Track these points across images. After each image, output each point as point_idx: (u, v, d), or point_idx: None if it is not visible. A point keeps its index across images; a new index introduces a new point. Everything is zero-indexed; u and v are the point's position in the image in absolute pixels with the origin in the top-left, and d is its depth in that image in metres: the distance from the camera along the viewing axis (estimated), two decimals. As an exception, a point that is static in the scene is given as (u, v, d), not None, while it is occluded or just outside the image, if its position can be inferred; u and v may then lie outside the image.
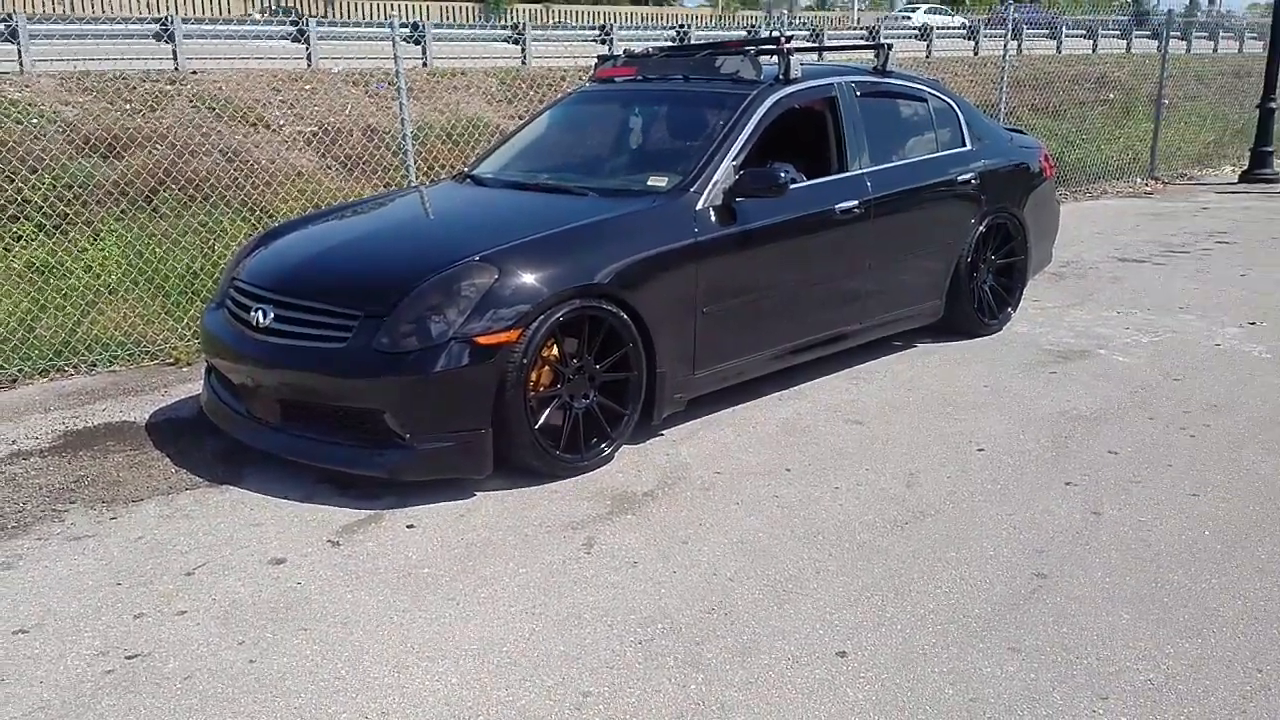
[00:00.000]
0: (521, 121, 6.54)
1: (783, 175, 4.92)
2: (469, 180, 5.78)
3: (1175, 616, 3.39)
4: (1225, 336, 6.61)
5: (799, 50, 5.66)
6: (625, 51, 6.38)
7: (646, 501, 4.29)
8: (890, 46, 6.10)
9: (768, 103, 5.28)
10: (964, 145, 6.33)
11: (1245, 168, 14.15)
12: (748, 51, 5.55)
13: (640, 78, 6.01)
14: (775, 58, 5.55)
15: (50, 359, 6.14)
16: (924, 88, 6.31)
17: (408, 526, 4.08)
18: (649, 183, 5.06)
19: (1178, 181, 14.26)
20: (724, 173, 4.98)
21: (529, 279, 4.28)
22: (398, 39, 7.20)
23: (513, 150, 5.99)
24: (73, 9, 22.03)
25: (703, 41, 11.53)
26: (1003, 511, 4.16)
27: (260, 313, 4.49)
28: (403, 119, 7.23)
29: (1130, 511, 4.16)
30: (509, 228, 4.68)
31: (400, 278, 4.31)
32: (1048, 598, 3.51)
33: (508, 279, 4.26)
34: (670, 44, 16.71)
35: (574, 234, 4.61)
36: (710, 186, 4.93)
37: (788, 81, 5.44)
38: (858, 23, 38.26)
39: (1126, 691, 3.00)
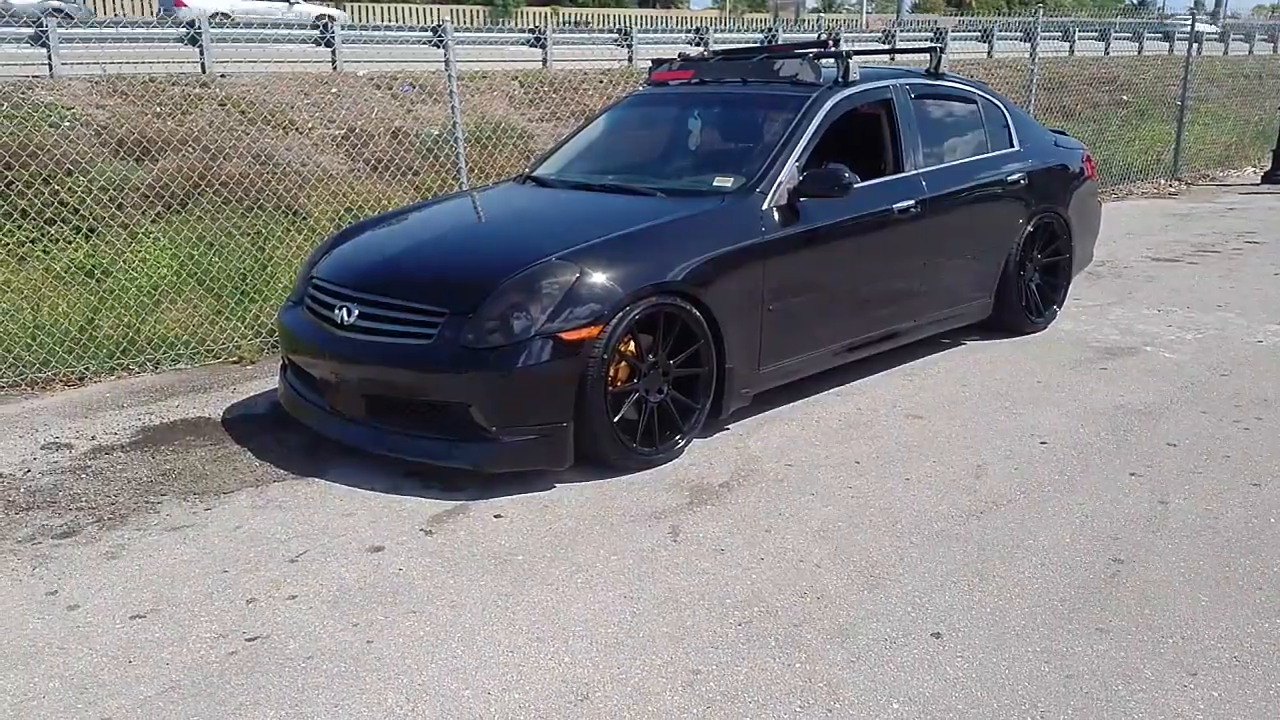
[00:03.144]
0: (578, 125, 6.66)
1: (846, 175, 5.05)
2: (531, 182, 5.91)
3: (1252, 599, 3.52)
4: (1267, 333, 6.73)
5: (857, 54, 5.79)
6: (680, 55, 6.51)
7: (723, 492, 4.42)
8: (943, 49, 6.24)
9: (829, 104, 5.41)
10: (1012, 146, 6.46)
11: (1268, 169, 14.26)
12: (807, 55, 5.68)
13: (696, 81, 6.13)
14: (833, 60, 5.68)
15: (116, 358, 6.27)
16: (974, 90, 6.44)
17: (495, 516, 4.21)
18: (715, 183, 5.19)
19: (1200, 183, 14.37)
20: (788, 173, 5.11)
21: (608, 277, 4.41)
22: (451, 43, 7.30)
23: (572, 153, 6.12)
24: (96, 11, 22.19)
25: (724, 45, 11.68)
26: (1073, 501, 4.28)
27: (344, 310, 4.62)
28: (455, 122, 7.35)
29: (1196, 500, 4.28)
30: (583, 227, 4.82)
31: (484, 276, 4.45)
32: (1127, 582, 3.63)
33: (588, 277, 4.38)
34: (693, 46, 16.86)
35: (648, 233, 4.74)
36: (775, 187, 5.06)
37: (847, 84, 5.57)
38: (867, 25, 38.34)
39: (1215, 667, 3.12)
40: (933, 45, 6.39)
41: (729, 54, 6.54)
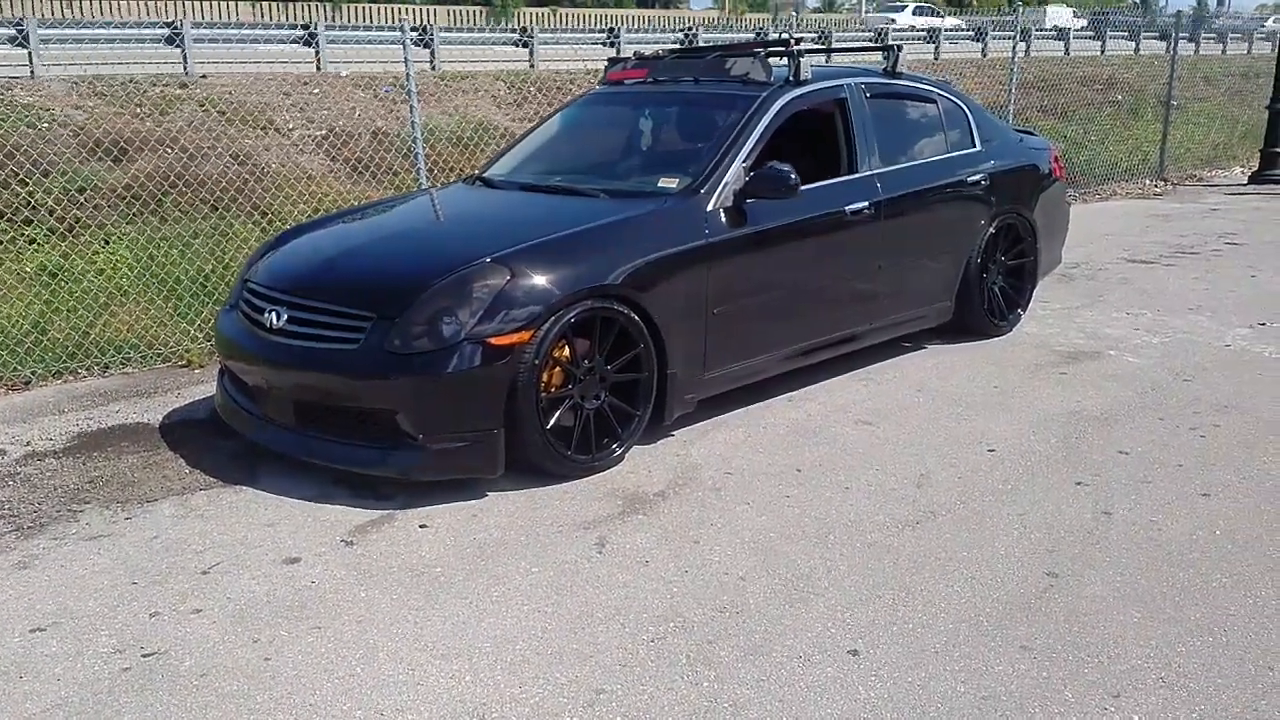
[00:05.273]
0: (532, 124, 6.55)
1: (793, 177, 4.93)
2: (479, 182, 5.80)
3: (1187, 615, 3.40)
4: (1235, 337, 6.61)
5: (809, 52, 5.67)
6: (635, 54, 6.41)
7: (657, 501, 4.31)
8: (900, 48, 6.11)
9: (778, 104, 5.30)
10: (974, 146, 6.34)
11: (1255, 169, 14.12)
12: (758, 53, 5.57)
13: (651, 80, 6.03)
14: (785, 59, 5.56)
15: (64, 361, 6.17)
16: (933, 89, 6.32)
17: (420, 526, 4.10)
18: (659, 184, 5.07)
19: (1187, 183, 14.24)
20: (734, 174, 4.99)
21: (541, 280, 4.30)
22: (409, 43, 7.20)
23: (524, 153, 6.02)
24: (82, 13, 22.11)
25: (711, 44, 11.58)
26: (1013, 511, 4.17)
27: (274, 314, 4.52)
28: (413, 122, 7.26)
29: (1141, 511, 4.16)
30: (520, 229, 4.71)
31: (412, 279, 4.34)
32: (1059, 597, 3.52)
33: (520, 280, 4.28)
34: (680, 46, 16.76)
35: (585, 235, 4.63)
36: (721, 188, 4.95)
37: (798, 83, 5.46)
38: (865, 25, 38.22)
39: (1139, 689, 3.01)
40: (889, 44, 6.26)
41: (683, 52, 6.43)
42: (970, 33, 25.20)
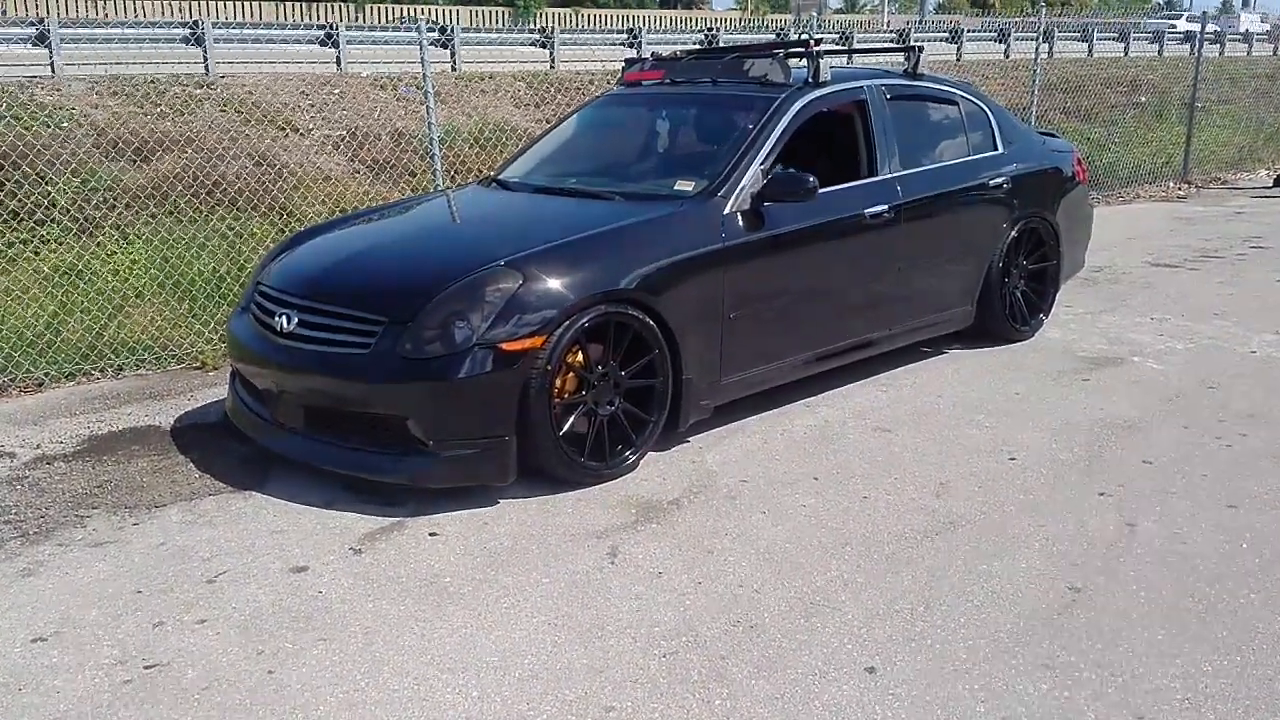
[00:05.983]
0: (548, 126, 6.49)
1: (811, 180, 4.85)
2: (495, 185, 5.74)
3: (1212, 632, 3.31)
4: (1261, 343, 6.49)
5: (829, 53, 5.58)
6: (652, 55, 6.33)
7: (672, 510, 4.23)
8: (921, 49, 6.01)
9: (796, 106, 5.21)
10: (995, 149, 6.24)
11: (1280, 172, 13.98)
12: (776, 54, 5.49)
13: (668, 81, 5.95)
14: (804, 60, 5.48)
15: (76, 363, 6.14)
16: (955, 90, 6.22)
17: (430, 534, 4.04)
18: (676, 187, 5.00)
19: (1211, 186, 14.08)
20: (752, 177, 4.91)
21: (554, 284, 4.24)
22: (425, 43, 7.15)
23: (539, 155, 5.95)
24: (101, 12, 22.17)
25: (730, 45, 11.53)
26: (1035, 523, 4.07)
27: (284, 318, 4.46)
28: (430, 123, 7.21)
29: (1166, 523, 4.06)
30: (534, 232, 4.65)
31: (424, 283, 4.28)
32: (1082, 612, 3.43)
33: (532, 284, 4.21)
34: (698, 47, 16.67)
35: (600, 239, 4.56)
36: (738, 191, 4.87)
37: (817, 84, 5.37)
38: (888, 26, 37.99)
39: (1163, 710, 2.92)
40: (910, 45, 6.17)
41: (701, 53, 6.35)
42: (1211, 35, 26.74)
